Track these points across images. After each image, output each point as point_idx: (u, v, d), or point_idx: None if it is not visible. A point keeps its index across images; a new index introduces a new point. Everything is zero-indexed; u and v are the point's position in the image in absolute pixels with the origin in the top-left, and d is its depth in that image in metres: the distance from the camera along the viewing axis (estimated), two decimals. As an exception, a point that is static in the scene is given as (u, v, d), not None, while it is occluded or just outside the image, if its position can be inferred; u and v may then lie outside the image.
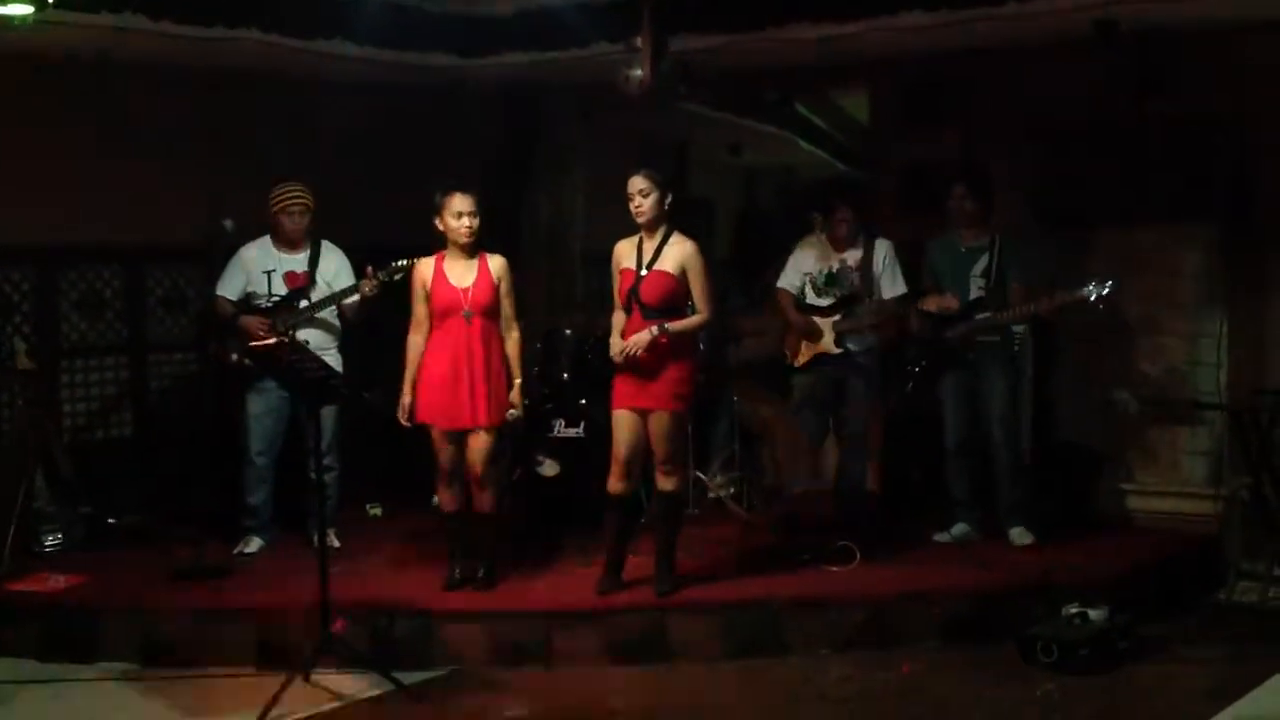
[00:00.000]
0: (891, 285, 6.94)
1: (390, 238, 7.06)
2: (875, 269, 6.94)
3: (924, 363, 7.06)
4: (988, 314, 6.92)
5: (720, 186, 12.19)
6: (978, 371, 7.02)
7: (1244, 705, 5.44)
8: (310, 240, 7.00)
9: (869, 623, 6.17)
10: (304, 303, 6.88)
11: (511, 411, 6.25)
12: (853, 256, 6.96)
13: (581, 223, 9.40)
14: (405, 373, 6.25)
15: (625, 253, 6.22)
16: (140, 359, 8.04)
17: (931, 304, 6.77)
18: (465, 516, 6.40)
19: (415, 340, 6.26)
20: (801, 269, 7.09)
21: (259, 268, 6.94)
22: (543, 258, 9.29)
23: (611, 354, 6.14)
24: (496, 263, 6.26)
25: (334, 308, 6.93)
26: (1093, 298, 6.59)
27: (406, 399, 6.21)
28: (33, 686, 5.84)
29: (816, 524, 7.01)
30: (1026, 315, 6.95)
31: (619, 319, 6.23)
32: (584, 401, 7.55)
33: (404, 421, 6.21)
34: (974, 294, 6.97)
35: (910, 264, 7.08)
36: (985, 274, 6.97)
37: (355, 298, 6.81)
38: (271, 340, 5.76)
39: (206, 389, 7.82)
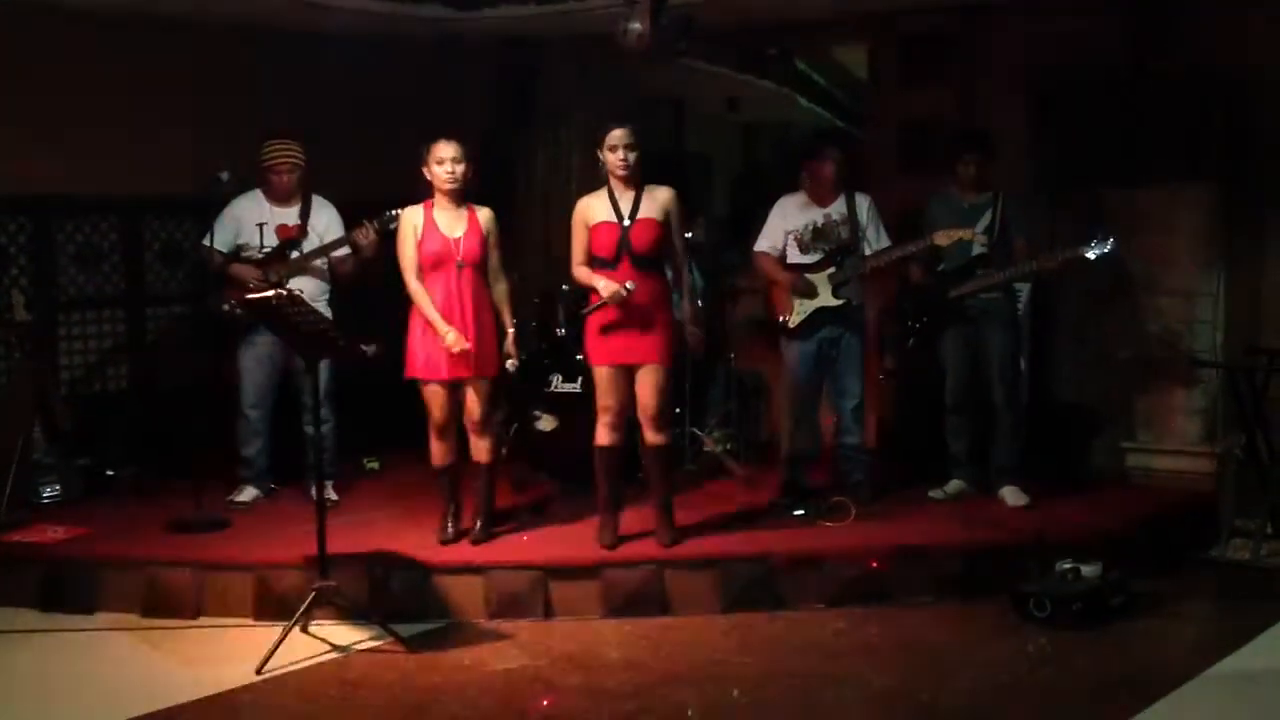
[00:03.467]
0: (877, 238, 6.86)
1: (382, 192, 7.04)
2: (860, 221, 6.84)
3: (925, 319, 7.05)
4: (990, 271, 6.90)
5: (718, 143, 12.16)
6: (979, 330, 7.00)
7: (1236, 660, 5.49)
8: (302, 194, 7.01)
9: (863, 578, 6.21)
10: (295, 254, 6.90)
11: (510, 361, 6.26)
12: (836, 210, 6.87)
13: (577, 178, 9.36)
14: (429, 315, 6.15)
15: (595, 207, 6.17)
16: (138, 311, 8.05)
17: (943, 238, 6.66)
18: (459, 470, 6.43)
19: (419, 285, 6.22)
20: (784, 227, 6.94)
21: (251, 220, 6.96)
22: (538, 213, 9.27)
23: (606, 294, 6.05)
24: (484, 214, 6.30)
25: (326, 261, 6.95)
26: (1093, 256, 6.57)
27: (453, 334, 6.12)
28: (32, 636, 5.88)
29: (815, 480, 7.02)
30: (1028, 273, 6.93)
31: (585, 271, 6.18)
32: (581, 357, 7.55)
33: (457, 349, 6.11)
34: (976, 251, 6.93)
35: (909, 219, 7.04)
36: (988, 231, 6.93)
37: (346, 249, 6.85)
38: (269, 292, 5.75)
39: (204, 341, 7.82)
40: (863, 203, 6.86)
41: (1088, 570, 5.98)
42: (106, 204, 7.86)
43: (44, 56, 7.36)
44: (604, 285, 6.07)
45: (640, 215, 6.12)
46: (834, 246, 6.83)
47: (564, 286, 7.91)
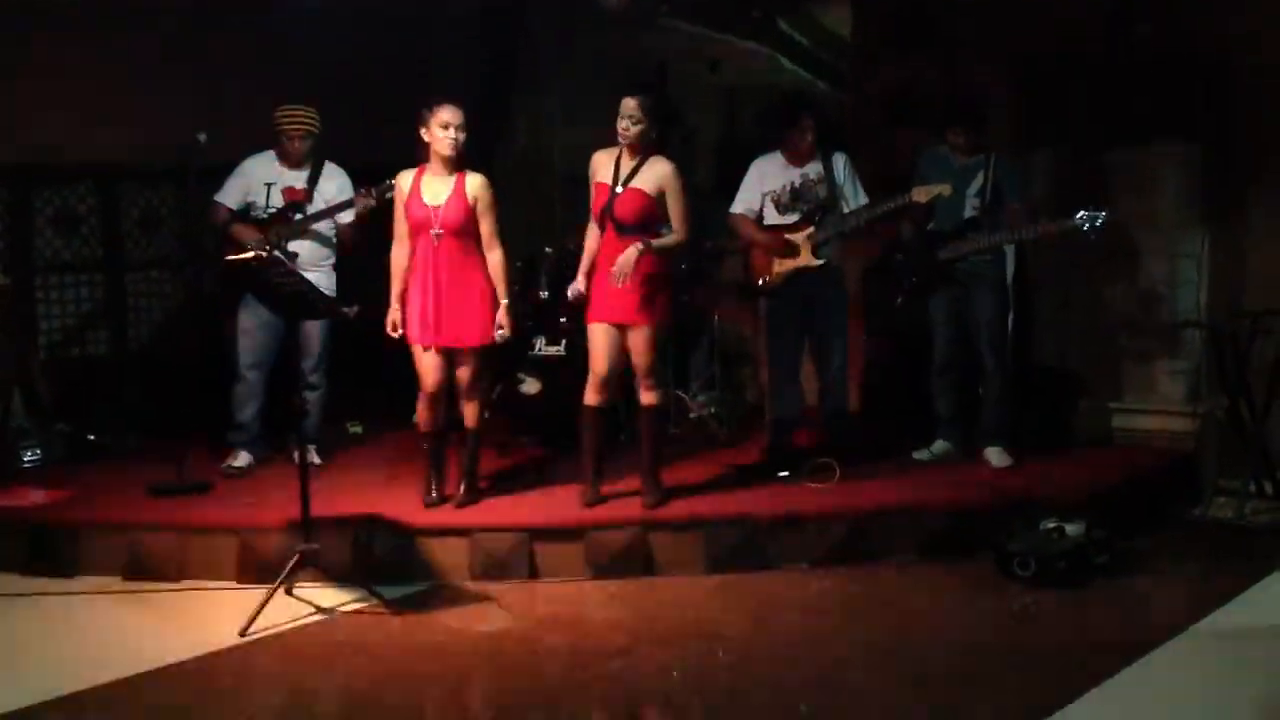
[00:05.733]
0: (854, 196, 6.83)
1: (365, 158, 7.02)
2: (837, 180, 6.81)
3: (914, 280, 7.02)
4: (982, 234, 6.87)
5: (700, 106, 12.08)
6: (968, 292, 6.97)
7: (1218, 618, 5.51)
8: (313, 159, 6.96)
9: (848, 538, 6.22)
10: (299, 216, 6.86)
11: (500, 332, 6.20)
12: (813, 169, 6.83)
13: (560, 143, 9.33)
14: (391, 286, 6.23)
15: (602, 165, 6.19)
16: (116, 277, 8.00)
17: (922, 194, 6.60)
18: (443, 435, 6.40)
19: (398, 253, 6.23)
20: (761, 189, 6.90)
21: (260, 179, 6.93)
22: (521, 178, 9.23)
23: (570, 291, 6.21)
24: (474, 181, 6.17)
25: (333, 226, 6.90)
26: (1085, 227, 6.52)
27: (394, 314, 6.20)
28: (15, 600, 5.85)
29: (799, 442, 7.02)
30: (1020, 239, 6.90)
31: (592, 238, 6.20)
32: (565, 320, 7.53)
33: (392, 334, 6.21)
34: (969, 213, 6.90)
35: (897, 179, 6.99)
36: (980, 194, 6.89)
37: (350, 216, 6.79)
38: (249, 254, 5.71)
39: (184, 306, 7.79)
40: (839, 162, 6.83)
41: (1072, 529, 5.98)
42: (83, 170, 7.79)
43: (20, 24, 7.27)
44: (575, 283, 6.30)
45: (633, 184, 6.09)
46: (812, 206, 6.79)
47: (546, 249, 7.89)
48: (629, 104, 6.05)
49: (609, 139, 6.15)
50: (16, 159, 7.39)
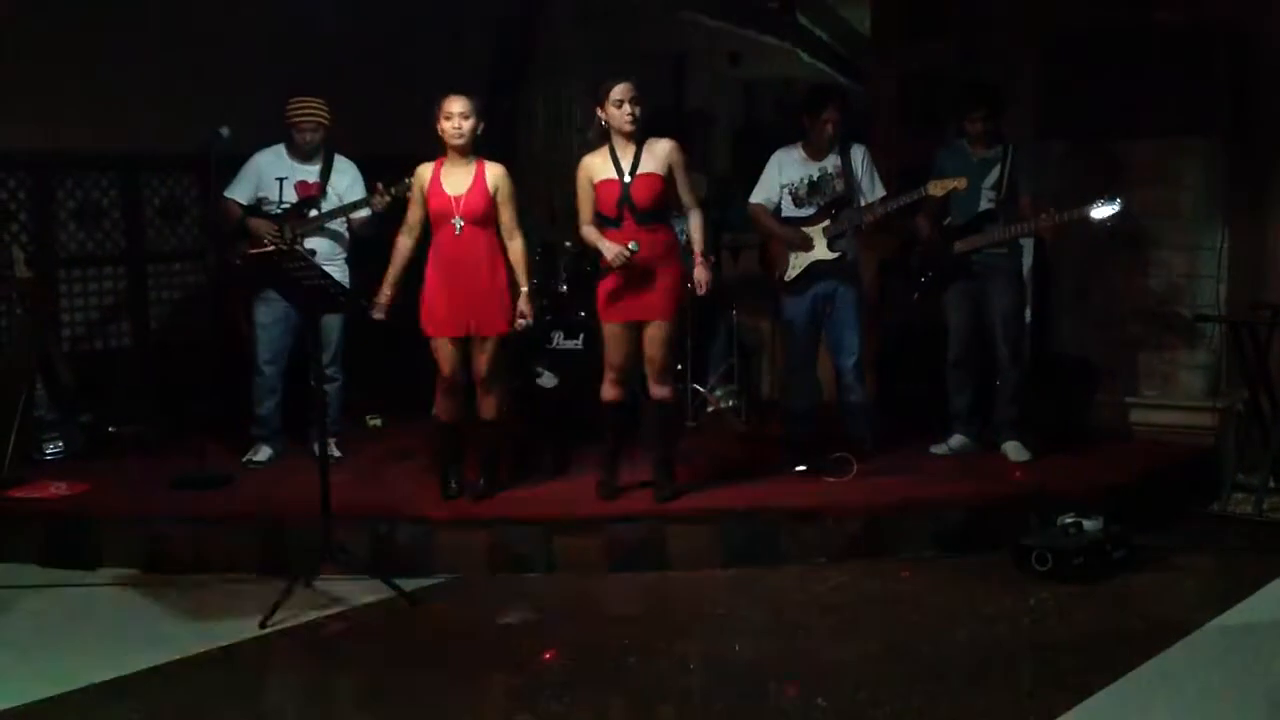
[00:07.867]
0: (872, 189, 6.82)
1: (383, 145, 7.03)
2: (855, 173, 6.82)
3: (930, 273, 7.02)
4: (997, 226, 6.86)
5: (719, 98, 12.09)
6: (984, 285, 6.96)
7: (1237, 613, 5.50)
8: (324, 152, 6.97)
9: (865, 533, 6.23)
10: (313, 212, 6.88)
11: (521, 320, 6.25)
12: (831, 163, 6.82)
13: (579, 133, 9.34)
14: (388, 271, 6.24)
15: (598, 165, 6.13)
16: (139, 268, 8.03)
17: (937, 188, 6.59)
18: (462, 427, 6.42)
19: (404, 242, 6.26)
20: (780, 181, 6.89)
21: (271, 174, 6.93)
22: (540, 168, 9.25)
23: (610, 257, 6.05)
24: (494, 171, 6.21)
25: (345, 222, 6.92)
26: (1100, 216, 6.51)
27: (383, 297, 6.23)
28: (35, 592, 5.90)
29: (815, 436, 7.03)
30: (1033, 231, 6.89)
31: (592, 231, 6.16)
32: (583, 313, 7.54)
33: (378, 316, 6.22)
34: (984, 206, 6.88)
35: (915, 174, 6.99)
36: (996, 186, 6.88)
37: (365, 212, 6.80)
38: (270, 247, 5.75)
39: (206, 298, 7.82)
40: (858, 155, 6.83)
41: (1089, 524, 5.98)
42: (105, 160, 7.82)
43: (40, 11, 7.30)
44: (607, 248, 6.06)
45: (641, 170, 6.08)
46: (829, 200, 6.80)
47: (566, 243, 7.89)
48: (626, 88, 6.00)
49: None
50: (37, 147, 7.41)
